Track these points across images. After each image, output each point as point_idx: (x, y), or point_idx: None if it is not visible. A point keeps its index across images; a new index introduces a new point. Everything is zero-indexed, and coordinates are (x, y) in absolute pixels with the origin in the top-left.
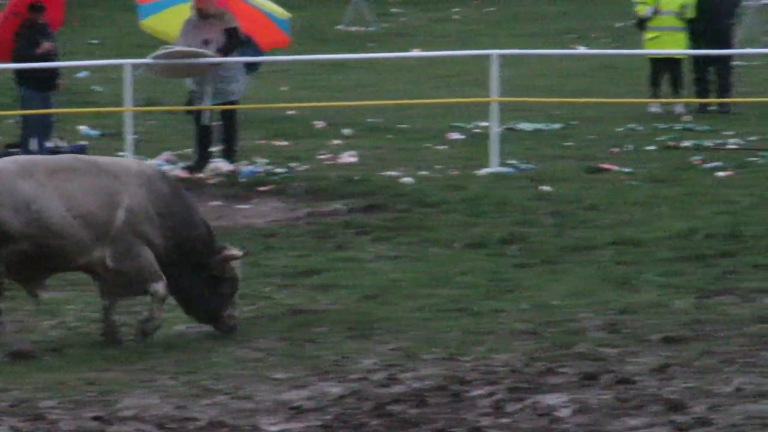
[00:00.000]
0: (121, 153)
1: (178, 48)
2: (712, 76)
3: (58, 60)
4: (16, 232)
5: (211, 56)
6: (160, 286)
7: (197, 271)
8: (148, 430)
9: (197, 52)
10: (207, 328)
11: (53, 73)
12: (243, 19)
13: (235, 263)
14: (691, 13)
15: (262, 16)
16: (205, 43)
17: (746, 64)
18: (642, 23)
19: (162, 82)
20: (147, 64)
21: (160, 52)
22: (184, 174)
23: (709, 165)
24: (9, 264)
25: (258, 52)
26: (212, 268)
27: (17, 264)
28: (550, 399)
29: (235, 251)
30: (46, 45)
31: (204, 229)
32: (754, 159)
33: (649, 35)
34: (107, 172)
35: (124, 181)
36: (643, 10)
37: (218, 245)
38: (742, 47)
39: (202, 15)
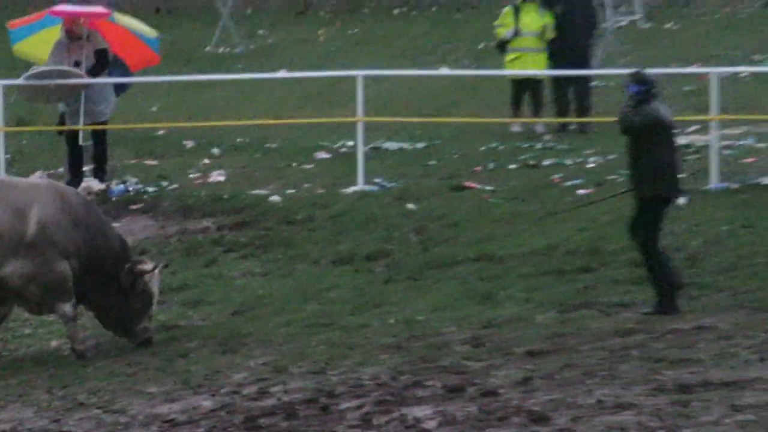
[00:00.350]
0: None
1: (49, 68)
2: (572, 96)
3: None
4: None
5: (82, 76)
6: (67, 308)
7: (110, 284)
8: None
9: (68, 71)
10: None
11: None
12: (112, 40)
13: (152, 279)
14: (550, 34)
15: (131, 36)
16: (76, 64)
17: (604, 84)
18: (503, 45)
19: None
20: (19, 88)
21: (32, 71)
22: None
23: (569, 183)
24: None
25: (127, 72)
26: (122, 280)
27: None
28: (417, 411)
29: (146, 265)
30: None
31: (117, 242)
32: (613, 177)
33: (509, 56)
34: (16, 188)
35: (34, 196)
36: (503, 32)
37: (132, 259)
38: (601, 68)
39: (72, 37)
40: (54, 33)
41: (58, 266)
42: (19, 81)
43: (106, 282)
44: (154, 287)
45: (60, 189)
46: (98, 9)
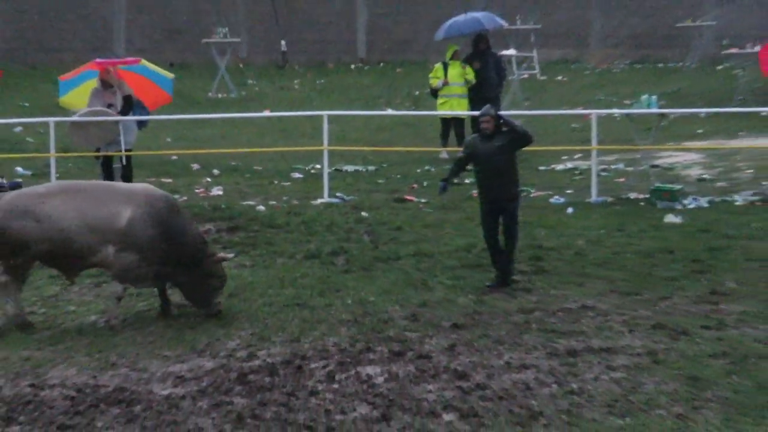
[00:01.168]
0: None
1: (93, 109)
2: None
3: None
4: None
5: (115, 116)
6: (120, 288)
7: (192, 268)
8: (69, 394)
9: (105, 111)
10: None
11: None
12: (135, 87)
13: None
14: (471, 80)
15: (149, 82)
16: (109, 106)
17: None
18: (435, 92)
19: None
20: (71, 135)
21: (81, 112)
22: None
23: None
24: (41, 259)
25: (146, 111)
26: (206, 266)
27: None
28: (369, 370)
29: (225, 255)
30: None
31: (196, 237)
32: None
33: (440, 101)
34: (117, 192)
35: (129, 199)
36: (435, 82)
37: (211, 250)
38: (508, 110)
39: (105, 85)
40: (91, 84)
41: (133, 255)
42: (72, 119)
43: (189, 267)
44: (227, 272)
45: (150, 194)
46: (129, 58)
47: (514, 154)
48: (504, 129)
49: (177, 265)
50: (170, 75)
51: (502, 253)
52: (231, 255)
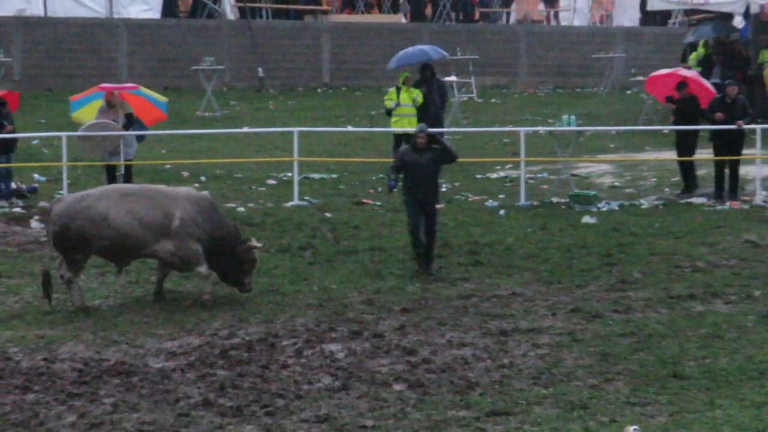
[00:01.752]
0: (60, 192)
1: (98, 121)
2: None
3: (16, 133)
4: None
5: (119, 129)
6: (203, 269)
7: (228, 255)
8: (77, 366)
9: (110, 124)
10: (117, 301)
11: (13, 141)
12: (135, 106)
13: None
14: (419, 102)
15: (147, 103)
16: (113, 122)
17: (451, 137)
18: (389, 112)
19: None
20: (78, 145)
21: (87, 124)
22: None
23: None
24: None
25: (144, 127)
26: (239, 253)
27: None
28: (332, 347)
29: (256, 243)
30: (8, 127)
31: (232, 229)
32: (458, 197)
33: (393, 119)
34: (165, 195)
35: (176, 201)
36: (389, 104)
37: (244, 238)
38: (450, 127)
39: (110, 105)
40: (98, 103)
41: (192, 246)
42: (79, 133)
43: (226, 253)
44: (257, 257)
45: (193, 196)
46: (129, 84)
47: (439, 168)
48: (435, 146)
49: (216, 253)
50: (164, 98)
51: (423, 246)
52: (260, 244)
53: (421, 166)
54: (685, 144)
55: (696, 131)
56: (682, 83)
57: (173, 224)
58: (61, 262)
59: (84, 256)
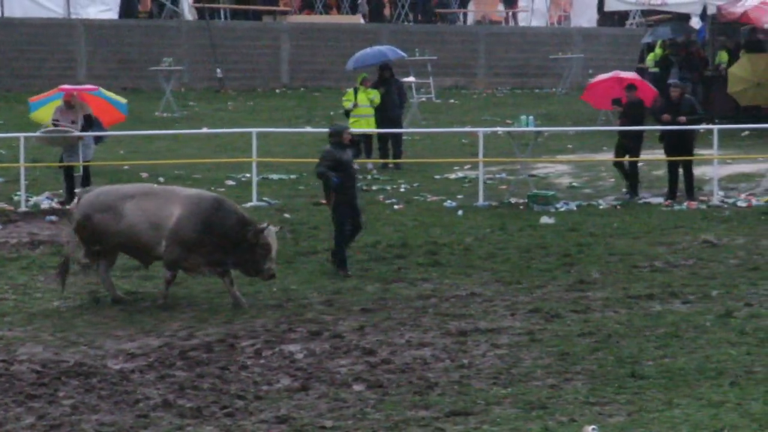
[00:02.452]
0: (18, 193)
1: (57, 128)
2: (390, 145)
3: None
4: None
5: (77, 132)
6: (169, 275)
7: (240, 246)
8: (35, 368)
9: (69, 129)
10: (76, 302)
11: None
12: (93, 107)
13: (268, 235)
14: (376, 103)
15: (106, 103)
16: (72, 122)
17: (411, 138)
18: (347, 112)
19: (43, 148)
20: (38, 139)
21: (47, 129)
22: (58, 206)
23: (388, 201)
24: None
25: (102, 128)
26: (248, 239)
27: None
28: (291, 347)
29: (263, 226)
30: None
31: (235, 218)
32: (417, 197)
33: (352, 120)
34: (172, 195)
35: (178, 202)
36: (347, 104)
37: (253, 223)
38: (409, 128)
39: (69, 105)
40: (56, 103)
41: (178, 249)
42: (37, 134)
43: (237, 246)
44: (272, 241)
45: (195, 197)
46: (89, 86)
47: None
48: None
49: (225, 252)
50: (124, 100)
51: (349, 240)
52: (273, 228)
53: (349, 163)
54: (630, 147)
55: (641, 134)
56: (632, 85)
57: (170, 225)
58: (80, 247)
59: (102, 249)
